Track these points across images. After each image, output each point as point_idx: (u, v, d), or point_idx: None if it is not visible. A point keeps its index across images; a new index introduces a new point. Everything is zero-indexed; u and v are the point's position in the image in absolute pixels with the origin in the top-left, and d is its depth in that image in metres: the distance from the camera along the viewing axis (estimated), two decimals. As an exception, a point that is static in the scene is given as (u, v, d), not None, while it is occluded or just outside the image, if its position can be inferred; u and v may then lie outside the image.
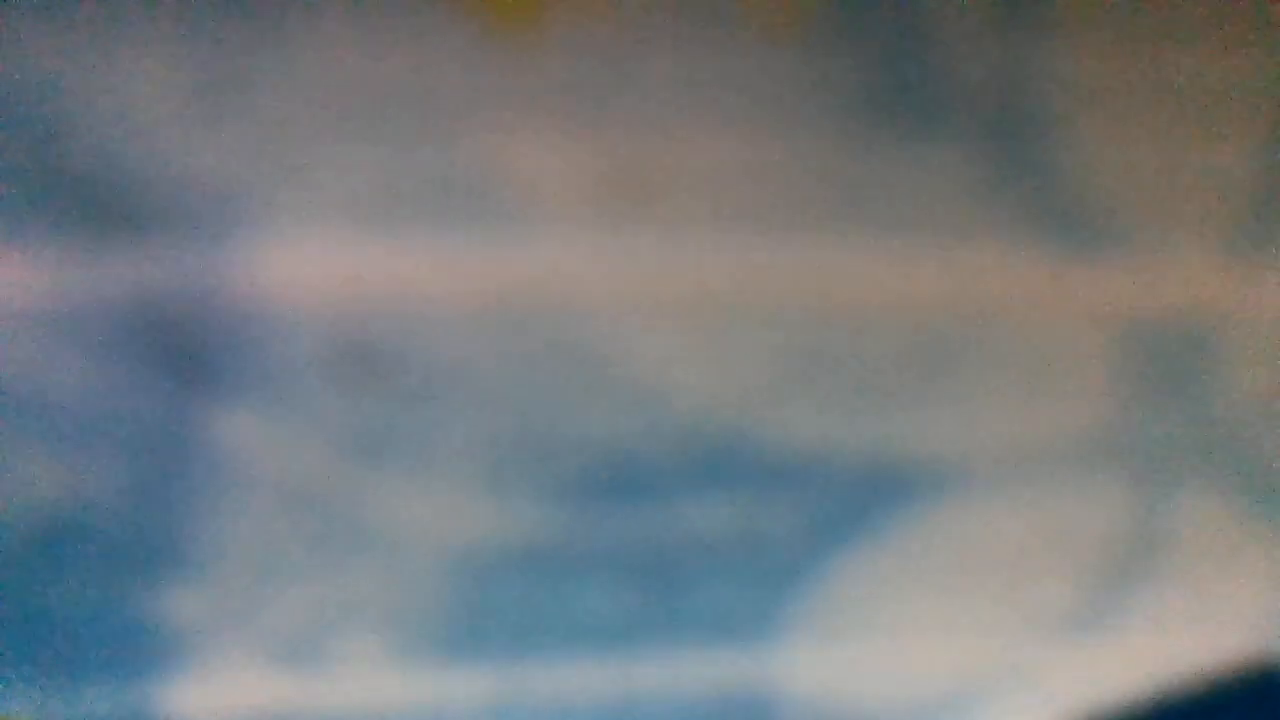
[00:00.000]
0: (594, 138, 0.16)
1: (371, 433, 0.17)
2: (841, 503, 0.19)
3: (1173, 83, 0.17)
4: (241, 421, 0.17)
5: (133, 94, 0.15)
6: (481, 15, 0.16)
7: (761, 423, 0.18)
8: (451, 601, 0.19)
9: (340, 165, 0.16)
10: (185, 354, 0.17)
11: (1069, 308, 0.18)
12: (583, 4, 0.16)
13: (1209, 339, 0.19)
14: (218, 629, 0.19)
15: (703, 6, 0.16)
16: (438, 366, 0.17)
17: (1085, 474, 0.20)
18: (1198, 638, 0.22)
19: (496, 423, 0.18)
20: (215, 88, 0.15)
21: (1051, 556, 0.20)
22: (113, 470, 0.17)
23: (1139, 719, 0.21)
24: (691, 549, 0.19)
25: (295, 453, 0.17)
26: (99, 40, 0.15)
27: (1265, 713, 0.21)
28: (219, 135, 0.16)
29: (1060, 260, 0.18)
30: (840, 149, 0.17)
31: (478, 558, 0.19)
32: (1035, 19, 0.17)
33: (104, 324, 0.16)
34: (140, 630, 0.19)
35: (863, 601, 0.20)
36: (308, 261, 0.16)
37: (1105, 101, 0.17)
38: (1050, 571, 0.21)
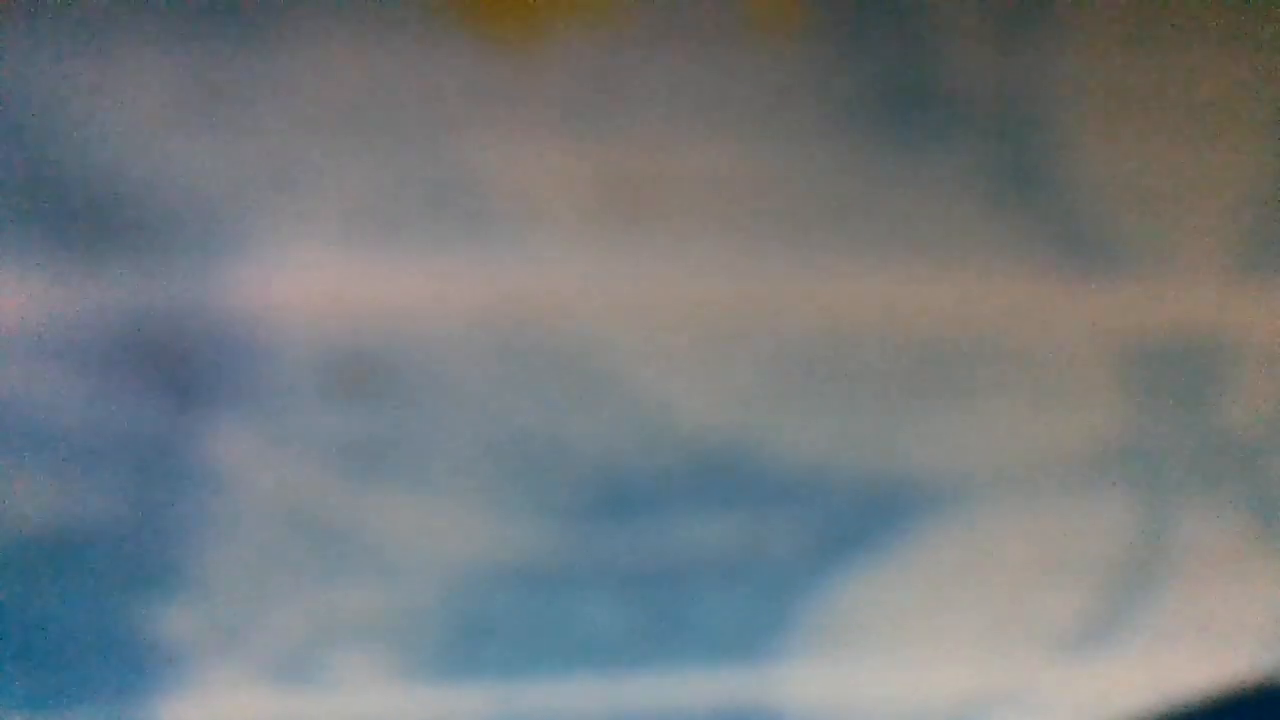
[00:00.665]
0: (592, 150, 0.16)
1: (367, 448, 0.17)
2: (843, 519, 0.19)
3: (1180, 97, 0.17)
4: (236, 436, 0.17)
5: (126, 107, 0.15)
6: (479, 26, 0.16)
7: (762, 438, 0.18)
8: (449, 618, 0.19)
9: (336, 178, 0.16)
10: (179, 369, 0.17)
11: (1073, 323, 0.18)
12: (580, 15, 0.16)
13: (1215, 355, 0.19)
14: (213, 646, 0.19)
15: (702, 18, 0.16)
16: (434, 381, 0.17)
17: (1089, 491, 0.20)
18: (1203, 654, 0.21)
19: (494, 438, 0.18)
20: (209, 101, 0.15)
21: (1055, 573, 0.20)
22: (107, 486, 0.17)
23: (1144, 737, 0.20)
24: (692, 565, 0.19)
25: (290, 468, 0.17)
26: (90, 55, 0.15)
27: (1272, 731, 0.21)
28: (213, 149, 0.16)
29: (1065, 275, 0.18)
30: (842, 163, 0.17)
31: (475, 574, 0.19)
32: (1041, 32, 0.17)
33: (97, 339, 0.16)
34: (136, 647, 0.19)
35: (865, 618, 0.20)
36: (303, 275, 0.16)
37: (1111, 116, 0.17)
38: (1054, 588, 0.21)
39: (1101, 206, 0.18)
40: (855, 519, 0.19)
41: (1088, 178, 0.17)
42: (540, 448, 0.18)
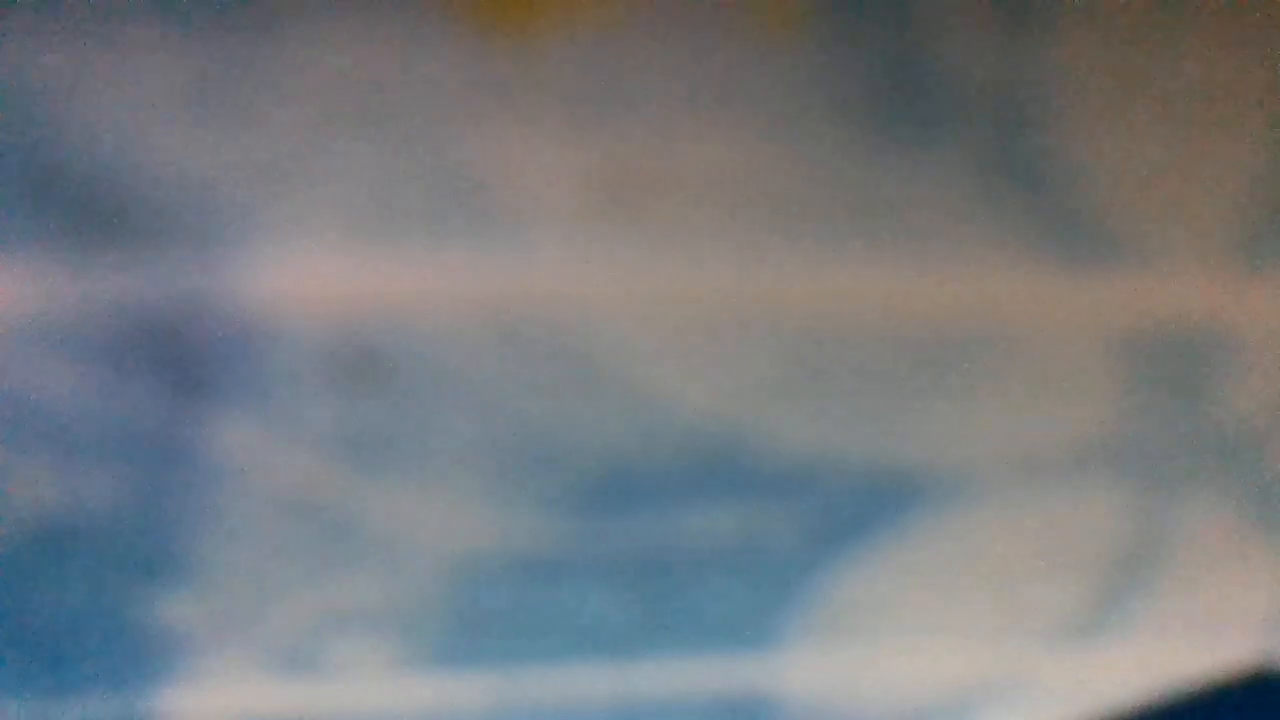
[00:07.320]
0: (592, 143, 0.16)
1: (369, 439, 0.17)
2: (842, 510, 0.19)
3: (1177, 90, 0.17)
4: (238, 428, 0.17)
5: (127, 101, 0.15)
6: (479, 20, 0.16)
7: (761, 429, 0.18)
8: (450, 608, 0.19)
9: (337, 172, 0.16)
10: (181, 361, 0.17)
11: (1071, 315, 0.18)
12: (580, 8, 0.16)
13: (1212, 347, 0.19)
14: (216, 635, 0.19)
15: (701, 11, 0.16)
16: (435, 373, 0.17)
17: (1087, 481, 0.20)
18: (1199, 644, 0.22)
19: (494, 429, 0.18)
20: (210, 95, 0.15)
21: (1053, 563, 0.20)
22: (110, 477, 0.17)
23: (1139, 726, 0.21)
24: (691, 555, 0.19)
25: (292, 459, 0.17)
26: (92, 48, 0.15)
27: (1266, 719, 0.21)
28: (214, 142, 0.16)
29: (1063, 268, 0.18)
30: (841, 156, 0.17)
31: (476, 564, 0.19)
32: (1038, 27, 0.17)
33: (100, 331, 0.16)
34: (138, 636, 0.19)
35: (863, 608, 0.20)
36: (304, 268, 0.16)
37: (1109, 110, 0.17)
38: (1052, 578, 0.21)
39: (1098, 202, 0.18)
40: (853, 510, 0.19)
41: (1085, 173, 0.17)
42: (540, 439, 0.18)
